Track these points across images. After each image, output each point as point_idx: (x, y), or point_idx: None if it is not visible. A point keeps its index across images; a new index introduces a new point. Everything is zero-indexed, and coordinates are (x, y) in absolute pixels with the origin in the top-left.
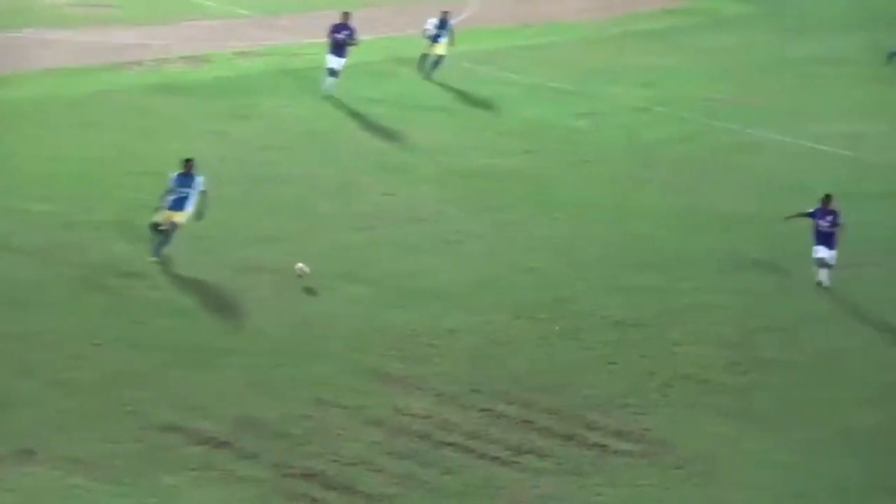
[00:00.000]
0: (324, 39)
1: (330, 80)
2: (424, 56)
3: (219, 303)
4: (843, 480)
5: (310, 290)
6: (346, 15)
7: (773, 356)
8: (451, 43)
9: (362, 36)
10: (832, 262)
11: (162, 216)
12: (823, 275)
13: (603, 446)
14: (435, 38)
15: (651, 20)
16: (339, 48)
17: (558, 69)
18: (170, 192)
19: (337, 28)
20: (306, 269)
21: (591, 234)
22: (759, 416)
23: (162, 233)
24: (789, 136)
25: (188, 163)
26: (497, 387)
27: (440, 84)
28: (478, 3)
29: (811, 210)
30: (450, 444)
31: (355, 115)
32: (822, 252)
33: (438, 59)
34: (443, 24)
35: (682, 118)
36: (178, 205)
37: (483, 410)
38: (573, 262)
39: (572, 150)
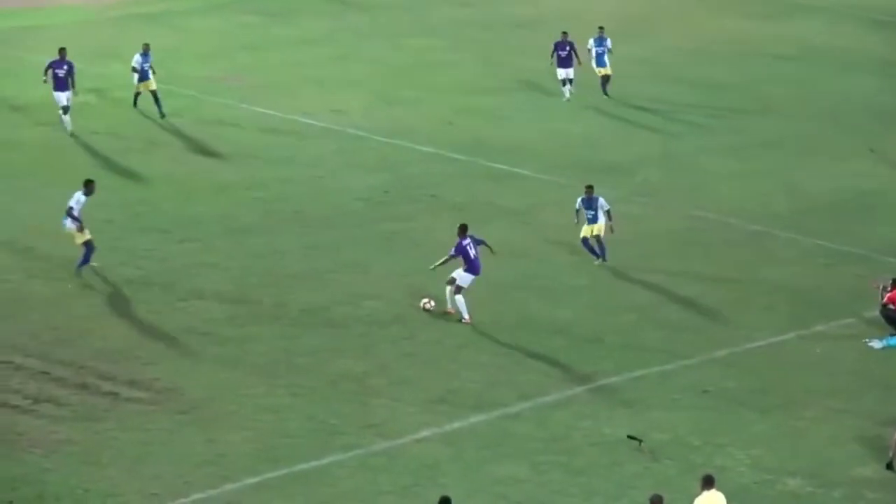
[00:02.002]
0: None
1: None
2: None
3: None
4: (329, 419)
5: None
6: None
7: (267, 311)
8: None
9: None
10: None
11: None
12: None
13: (115, 394)
14: None
15: (149, 4)
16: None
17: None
18: None
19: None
20: (432, 304)
21: (103, 200)
22: (255, 364)
23: None
24: (278, 111)
25: None
26: (15, 341)
27: None
28: None
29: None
30: None
31: None
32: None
33: None
34: None
35: (180, 94)
36: None
37: (2, 363)
38: (89, 226)
39: (83, 124)
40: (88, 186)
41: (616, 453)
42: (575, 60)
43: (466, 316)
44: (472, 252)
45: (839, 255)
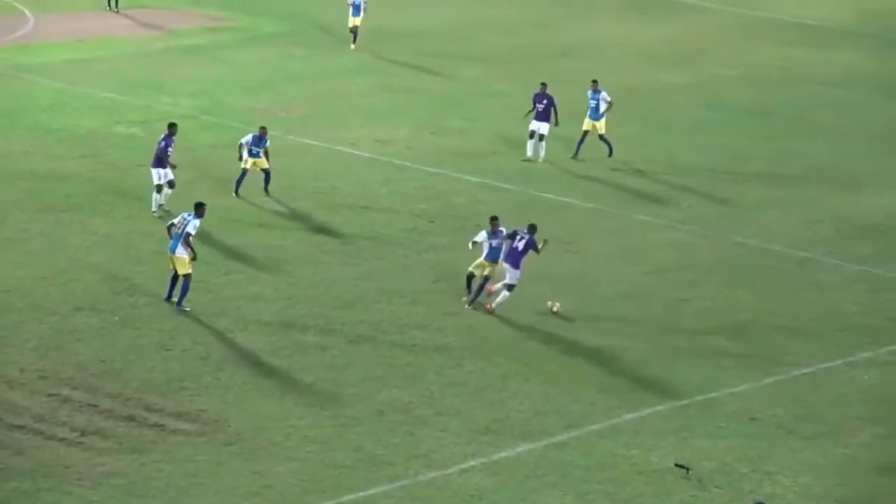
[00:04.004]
0: None
1: None
2: None
3: None
4: (376, 449)
5: None
6: None
7: (313, 341)
8: None
9: None
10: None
11: None
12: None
13: (162, 426)
14: None
15: (193, 36)
16: None
17: (111, 80)
18: None
19: None
20: (558, 305)
21: (146, 230)
22: (301, 395)
23: None
24: (323, 141)
25: None
26: (63, 374)
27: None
28: (32, 20)
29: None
30: (19, 427)
31: None
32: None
33: None
34: None
35: (227, 125)
36: None
37: (50, 395)
38: (130, 258)
39: (127, 156)
40: (200, 210)
41: (663, 482)
42: (553, 117)
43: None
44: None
45: (885, 281)
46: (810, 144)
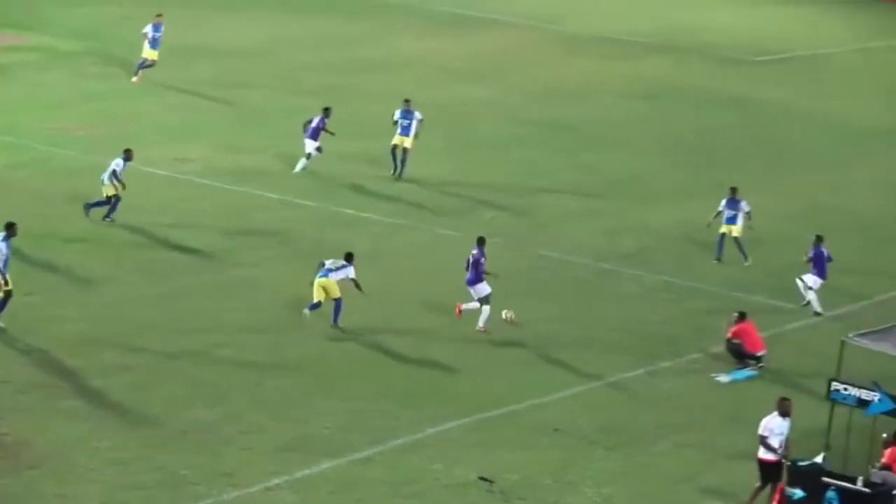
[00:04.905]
0: None
1: None
2: None
3: None
4: (180, 469)
5: None
6: None
7: (117, 361)
8: None
9: None
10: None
11: None
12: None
13: None
14: None
15: None
16: None
17: None
18: None
19: None
20: (511, 314)
21: None
22: (105, 416)
23: None
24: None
25: None
26: None
27: None
28: None
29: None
30: None
31: None
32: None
33: None
34: None
35: (24, 145)
36: None
37: None
38: None
39: None
40: (11, 230)
41: (467, 495)
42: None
43: (481, 324)
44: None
45: (685, 290)
46: (612, 157)
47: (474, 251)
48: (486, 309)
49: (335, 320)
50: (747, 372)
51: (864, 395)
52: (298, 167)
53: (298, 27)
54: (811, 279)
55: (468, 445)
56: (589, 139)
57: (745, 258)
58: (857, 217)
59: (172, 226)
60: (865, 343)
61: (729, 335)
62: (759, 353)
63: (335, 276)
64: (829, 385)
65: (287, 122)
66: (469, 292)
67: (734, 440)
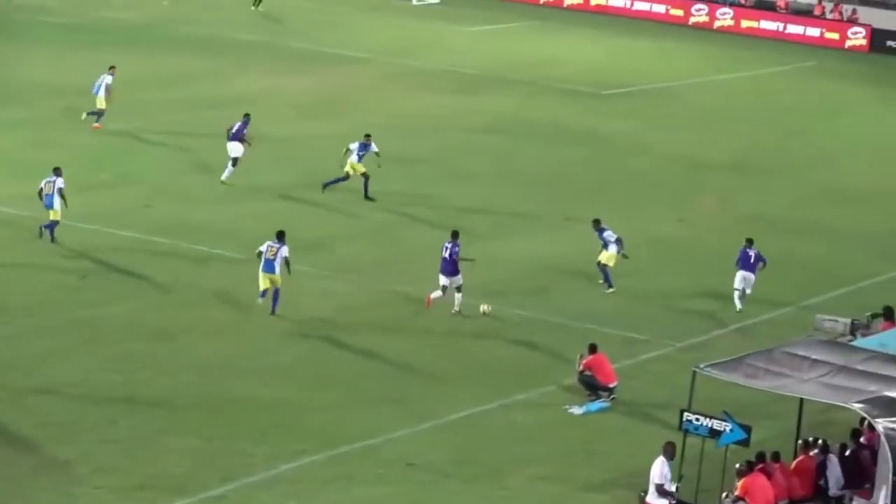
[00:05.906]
0: None
1: None
2: None
3: None
4: None
5: None
6: None
7: None
8: None
9: None
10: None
11: None
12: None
13: None
14: None
15: None
16: None
17: None
18: None
19: None
20: (488, 308)
21: None
22: None
23: None
24: None
25: None
26: None
27: None
28: None
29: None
30: None
31: None
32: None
33: None
34: None
35: None
36: None
37: None
38: None
39: None
40: None
41: None
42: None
43: (456, 307)
44: (445, 253)
45: (539, 323)
46: (459, 190)
47: (447, 244)
48: (459, 296)
49: (273, 310)
50: (600, 403)
51: (716, 425)
52: (225, 174)
53: (148, 65)
54: (738, 277)
55: (323, 481)
56: (433, 172)
57: (609, 285)
58: (704, 247)
59: (19, 266)
60: (716, 374)
61: (581, 367)
62: (611, 385)
63: (277, 265)
64: (682, 416)
65: (136, 157)
66: (444, 282)
67: (588, 473)
